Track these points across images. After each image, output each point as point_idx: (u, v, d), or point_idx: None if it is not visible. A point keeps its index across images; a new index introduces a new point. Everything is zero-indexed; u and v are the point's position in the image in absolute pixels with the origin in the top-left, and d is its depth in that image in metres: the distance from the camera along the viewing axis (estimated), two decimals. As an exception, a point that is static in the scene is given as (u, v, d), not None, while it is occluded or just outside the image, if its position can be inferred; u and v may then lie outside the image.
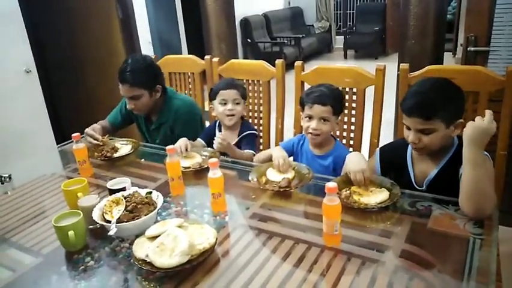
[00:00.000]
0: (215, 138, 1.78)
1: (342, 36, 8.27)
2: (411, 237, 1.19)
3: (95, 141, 1.94)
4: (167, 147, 1.47)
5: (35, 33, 2.84)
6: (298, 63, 1.99)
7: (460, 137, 1.34)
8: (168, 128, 2.06)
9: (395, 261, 1.10)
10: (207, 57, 2.32)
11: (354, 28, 8.45)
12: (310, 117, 1.65)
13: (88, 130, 1.98)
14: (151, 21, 3.86)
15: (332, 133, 1.75)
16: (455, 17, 6.35)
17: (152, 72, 2.00)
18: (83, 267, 1.16)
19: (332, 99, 1.63)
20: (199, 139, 2.00)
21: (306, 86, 2.00)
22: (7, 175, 1.67)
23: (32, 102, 2.68)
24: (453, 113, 1.33)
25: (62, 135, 2.60)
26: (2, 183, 1.66)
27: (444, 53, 2.81)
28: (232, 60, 2.25)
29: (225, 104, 1.90)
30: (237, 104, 1.91)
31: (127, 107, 2.01)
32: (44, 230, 1.35)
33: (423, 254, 1.12)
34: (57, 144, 2.39)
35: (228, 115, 1.91)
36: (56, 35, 3.04)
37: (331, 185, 1.10)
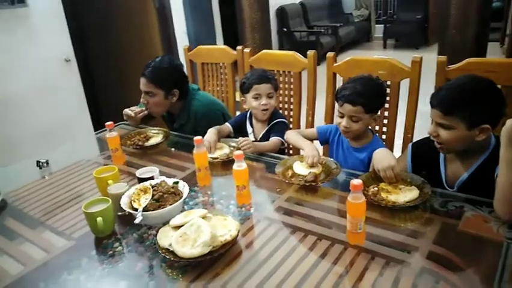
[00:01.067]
0: (239, 142, 1.74)
1: (382, 25, 8.02)
2: (440, 238, 1.14)
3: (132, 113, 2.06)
4: (195, 138, 1.48)
5: (76, 23, 2.94)
6: (330, 54, 1.95)
7: (497, 138, 1.27)
8: (191, 128, 2.05)
9: (421, 262, 1.07)
10: (238, 47, 2.31)
11: (394, 16, 8.16)
12: (342, 115, 1.60)
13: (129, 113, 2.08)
14: (187, 11, 3.90)
15: (370, 127, 1.70)
16: (504, 3, 5.99)
17: (172, 76, 2.01)
18: (111, 252, 1.21)
19: (365, 97, 1.54)
20: (227, 124, 1.99)
21: (338, 78, 1.97)
22: (44, 160, 1.74)
23: (71, 90, 2.78)
24: (477, 116, 1.25)
25: (100, 121, 2.68)
26: (40, 168, 1.73)
27: (491, 43, 2.65)
28: (264, 51, 2.24)
29: (259, 98, 1.88)
30: (271, 97, 1.89)
31: (141, 100, 2.04)
32: (77, 214, 1.40)
33: (452, 257, 1.07)
34: (96, 130, 2.47)
35: (262, 110, 1.90)
36: (95, 25, 3.14)
37: (356, 182, 1.07)
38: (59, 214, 1.44)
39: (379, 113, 1.67)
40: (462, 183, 1.37)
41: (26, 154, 1.84)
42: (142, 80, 1.98)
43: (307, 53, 2.03)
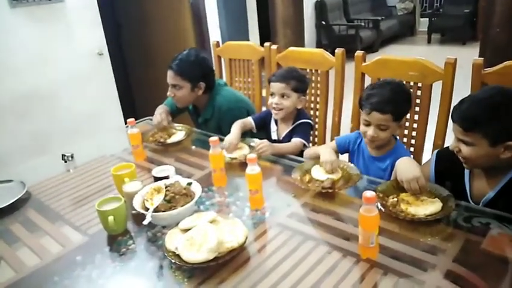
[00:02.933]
0: (256, 144, 1.71)
1: (427, 19, 7.66)
2: (461, 257, 1.07)
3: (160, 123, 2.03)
4: (211, 139, 1.47)
5: (113, 16, 3.01)
6: (359, 53, 1.87)
7: None
8: (215, 124, 2.06)
9: (438, 282, 1.00)
10: (266, 44, 2.27)
11: (440, 10, 7.78)
12: (368, 123, 1.51)
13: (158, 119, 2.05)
14: (220, 6, 3.89)
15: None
16: None
17: (199, 69, 2.02)
18: (124, 249, 1.22)
19: (394, 105, 1.46)
20: (250, 118, 1.96)
21: (367, 79, 1.89)
22: (69, 154, 1.79)
23: (103, 83, 2.85)
24: (501, 134, 1.15)
25: (134, 115, 2.72)
26: (65, 162, 1.78)
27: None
28: (290, 49, 2.18)
29: (273, 96, 1.85)
30: (285, 98, 1.82)
31: (168, 93, 2.05)
32: (93, 210, 1.42)
33: (472, 278, 1.00)
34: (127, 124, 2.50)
35: (273, 108, 1.85)
36: (130, 19, 3.21)
37: (369, 194, 1.01)
38: (78, 209, 1.47)
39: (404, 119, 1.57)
40: (488, 201, 1.26)
41: (57, 146, 1.90)
42: (169, 73, 2.00)
43: (336, 51, 1.96)
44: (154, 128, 2.05)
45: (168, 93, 2.05)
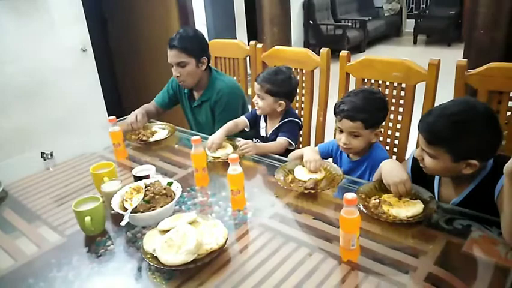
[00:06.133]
0: (240, 144, 1.70)
1: (413, 20, 7.73)
2: (443, 259, 1.06)
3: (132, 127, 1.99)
4: (192, 138, 1.44)
5: (99, 10, 2.95)
6: (343, 53, 1.87)
7: (496, 160, 1.18)
8: (209, 107, 2.07)
9: (418, 285, 1.00)
10: (251, 42, 2.26)
11: (427, 11, 7.86)
12: (341, 130, 1.51)
13: (132, 119, 2.01)
14: (206, 4, 3.85)
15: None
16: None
17: (199, 42, 2.02)
18: (103, 250, 1.19)
19: (365, 113, 1.45)
20: (243, 117, 1.95)
21: (352, 79, 1.88)
22: (49, 152, 1.74)
23: (86, 80, 2.79)
24: (464, 151, 1.14)
25: (122, 110, 2.66)
26: (44, 160, 1.74)
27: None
28: (276, 47, 2.17)
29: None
30: (261, 99, 1.84)
31: (173, 73, 2.02)
32: (72, 210, 1.38)
33: (453, 281, 0.99)
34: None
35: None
36: (116, 16, 3.16)
37: (349, 196, 1.00)
38: (56, 208, 1.43)
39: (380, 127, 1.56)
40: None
41: (37, 144, 1.85)
42: (172, 53, 1.96)
43: (321, 51, 1.96)
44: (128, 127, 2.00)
45: (174, 74, 2.02)
